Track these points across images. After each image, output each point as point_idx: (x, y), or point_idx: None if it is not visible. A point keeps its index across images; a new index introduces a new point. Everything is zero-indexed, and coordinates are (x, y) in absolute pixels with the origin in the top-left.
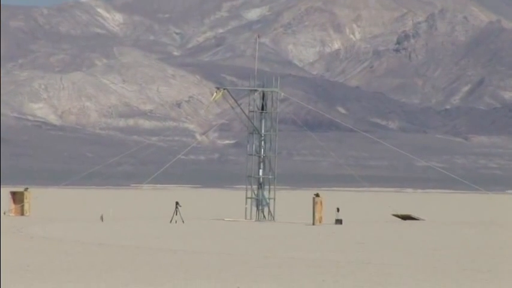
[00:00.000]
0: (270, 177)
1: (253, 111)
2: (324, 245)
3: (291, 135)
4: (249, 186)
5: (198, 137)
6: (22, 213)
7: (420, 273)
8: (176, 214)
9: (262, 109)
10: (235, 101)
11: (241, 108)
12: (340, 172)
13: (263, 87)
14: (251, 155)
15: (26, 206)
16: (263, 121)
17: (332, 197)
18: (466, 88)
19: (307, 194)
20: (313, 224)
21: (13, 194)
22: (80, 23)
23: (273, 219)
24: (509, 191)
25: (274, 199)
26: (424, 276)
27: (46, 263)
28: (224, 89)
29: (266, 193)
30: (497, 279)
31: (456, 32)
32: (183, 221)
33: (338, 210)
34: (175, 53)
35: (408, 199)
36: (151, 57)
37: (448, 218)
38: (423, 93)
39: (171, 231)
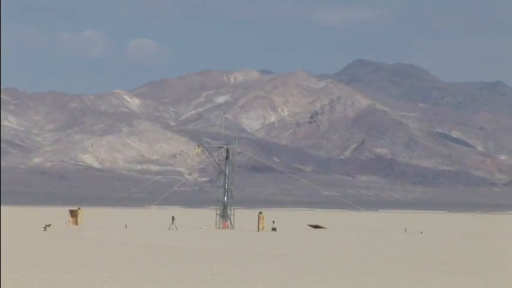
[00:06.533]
0: (231, 201)
1: (221, 160)
2: (264, 243)
3: (244, 175)
4: (218, 207)
5: (186, 176)
6: (76, 224)
7: (326, 261)
8: (172, 224)
9: (227, 159)
10: (210, 153)
11: (213, 158)
12: (275, 198)
13: (227, 145)
14: (219, 187)
15: (79, 219)
16: (227, 166)
17: (270, 214)
18: (353, 146)
19: (254, 212)
20: (258, 230)
21: (71, 211)
22: (113, 104)
23: (233, 227)
24: (380, 210)
25: (234, 215)
26: (329, 263)
27: (90, 254)
28: (202, 146)
29: (229, 211)
30: (378, 264)
31: (347, 110)
32: (176, 229)
33: (273, 222)
34: (172, 124)
35: (318, 216)
36: (157, 126)
37: (342, 227)
38: (327, 149)
39: (169, 235)
